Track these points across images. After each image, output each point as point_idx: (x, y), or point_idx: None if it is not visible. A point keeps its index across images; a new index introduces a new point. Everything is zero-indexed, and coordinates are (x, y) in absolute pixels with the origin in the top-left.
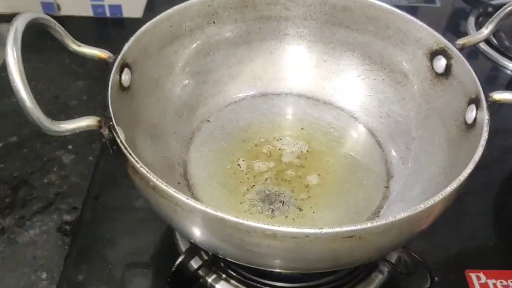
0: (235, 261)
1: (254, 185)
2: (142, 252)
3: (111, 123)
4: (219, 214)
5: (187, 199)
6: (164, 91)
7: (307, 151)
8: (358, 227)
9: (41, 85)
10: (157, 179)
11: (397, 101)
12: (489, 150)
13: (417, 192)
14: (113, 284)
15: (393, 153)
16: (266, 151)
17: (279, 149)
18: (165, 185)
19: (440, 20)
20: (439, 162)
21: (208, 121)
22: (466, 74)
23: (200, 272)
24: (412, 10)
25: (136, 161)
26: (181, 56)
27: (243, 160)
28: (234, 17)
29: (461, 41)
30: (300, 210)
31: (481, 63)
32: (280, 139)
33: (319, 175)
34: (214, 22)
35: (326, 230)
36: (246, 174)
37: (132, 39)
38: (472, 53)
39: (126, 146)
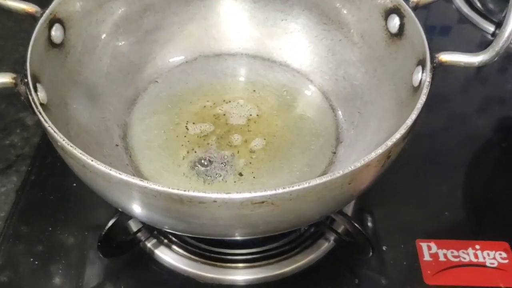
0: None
1: (195, 149)
2: (88, 216)
3: (25, 80)
4: (123, 176)
5: (92, 161)
6: (107, 50)
7: (257, 115)
8: (268, 192)
9: None
10: (63, 140)
11: (353, 63)
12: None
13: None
14: (51, 247)
15: (345, 117)
16: (214, 114)
17: (228, 112)
18: (70, 145)
19: None
20: (387, 128)
21: (156, 82)
22: (416, 34)
23: (139, 235)
24: None
25: (46, 121)
26: (126, 12)
27: (188, 123)
28: None
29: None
30: (240, 175)
31: (462, 27)
32: (230, 102)
33: (265, 139)
34: None
35: (233, 195)
36: (189, 137)
37: None
38: (452, 15)
39: (38, 105)
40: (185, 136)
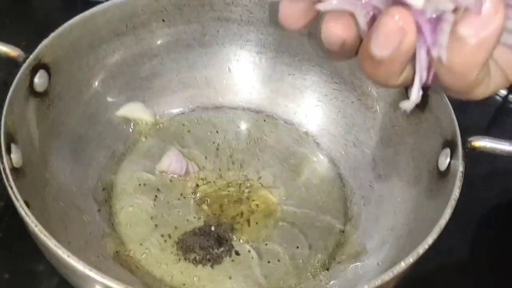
0: None
1: (188, 220)
2: None
3: None
4: (106, 281)
5: (68, 257)
6: (97, 97)
7: (259, 178)
8: None
9: None
10: (36, 226)
11: (366, 129)
12: None
13: (376, 243)
14: None
15: (355, 190)
16: (211, 177)
17: (226, 176)
18: (45, 235)
19: None
20: (405, 211)
21: (148, 135)
22: (443, 109)
23: None
24: None
25: (17, 199)
26: (120, 56)
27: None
28: (187, 16)
29: None
30: (237, 254)
31: None
32: (232, 163)
33: (265, 216)
34: (163, 20)
35: None
36: (181, 206)
37: (52, 35)
38: None
39: (9, 175)
40: (177, 203)
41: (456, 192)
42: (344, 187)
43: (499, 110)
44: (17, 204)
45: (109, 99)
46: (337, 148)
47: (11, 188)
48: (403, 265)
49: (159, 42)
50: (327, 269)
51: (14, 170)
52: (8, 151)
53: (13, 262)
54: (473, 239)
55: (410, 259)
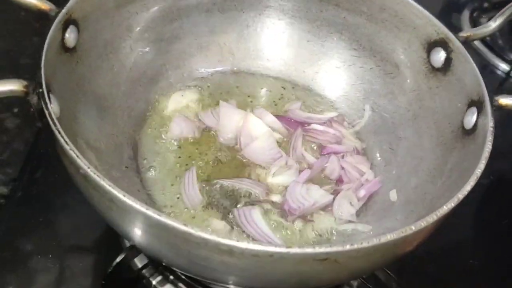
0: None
1: (211, 176)
2: (80, 245)
3: (40, 90)
4: (162, 219)
5: (124, 196)
6: (120, 57)
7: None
8: (334, 249)
9: None
10: (89, 168)
11: (385, 94)
12: None
13: (401, 201)
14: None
15: (376, 153)
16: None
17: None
18: (98, 175)
19: (432, 11)
20: (428, 169)
21: (169, 96)
22: (469, 72)
23: (144, 272)
24: None
25: (65, 141)
26: (143, 18)
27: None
28: None
29: (464, 34)
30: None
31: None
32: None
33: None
34: None
35: (295, 250)
36: (204, 163)
37: None
38: None
39: (55, 120)
40: (200, 161)
41: (489, 145)
42: (364, 150)
43: None
44: (66, 147)
45: (132, 60)
46: (355, 113)
47: (59, 131)
48: (445, 208)
49: (179, 5)
50: None
51: None
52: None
53: None
54: None
55: (452, 204)
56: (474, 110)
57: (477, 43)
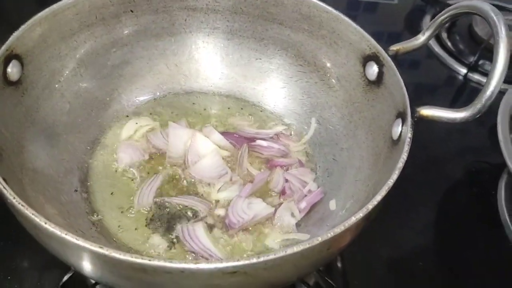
0: None
1: (161, 193)
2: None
3: None
4: (80, 242)
5: (46, 223)
6: (69, 85)
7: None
8: (241, 262)
9: None
10: (14, 198)
11: (329, 107)
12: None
13: (339, 210)
14: None
15: (319, 164)
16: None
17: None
18: (21, 204)
19: (397, 18)
20: (363, 179)
21: (121, 120)
22: (396, 84)
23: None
24: (370, 7)
25: None
26: (90, 46)
27: (153, 169)
28: (155, 6)
29: (394, 47)
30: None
31: (433, 66)
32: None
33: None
34: (131, 11)
35: (202, 265)
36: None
37: (23, 27)
38: (423, 55)
39: None
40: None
41: (404, 156)
42: (310, 162)
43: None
44: None
45: (82, 86)
46: (303, 126)
47: None
48: (353, 219)
49: (128, 31)
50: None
51: None
52: None
53: None
54: None
55: (360, 214)
56: (399, 121)
57: (436, 48)
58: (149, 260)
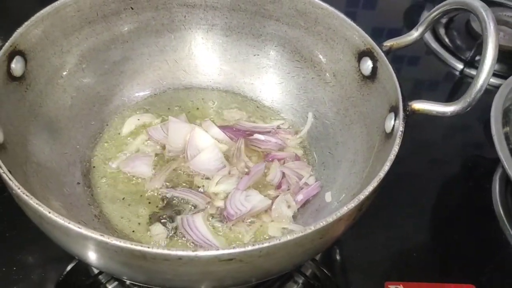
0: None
1: (162, 189)
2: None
3: None
4: (82, 231)
5: (49, 212)
6: (71, 81)
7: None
8: (237, 250)
9: None
10: (19, 188)
11: (325, 102)
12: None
13: (334, 202)
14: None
15: (316, 157)
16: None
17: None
18: (26, 194)
19: (396, 14)
20: (357, 171)
21: (123, 114)
22: (389, 79)
23: (101, 277)
24: (369, 3)
25: (0, 166)
26: (92, 42)
27: (155, 160)
28: (155, 3)
29: (388, 43)
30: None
31: (431, 62)
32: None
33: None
34: (132, 8)
35: (200, 252)
36: (155, 176)
37: (26, 24)
38: (421, 51)
39: None
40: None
41: (395, 148)
42: (306, 155)
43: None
44: (0, 171)
45: (84, 82)
46: (300, 121)
47: None
48: (345, 209)
49: (129, 28)
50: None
51: None
52: None
53: None
54: None
55: (352, 204)
56: (392, 115)
57: (434, 44)
58: (149, 248)
